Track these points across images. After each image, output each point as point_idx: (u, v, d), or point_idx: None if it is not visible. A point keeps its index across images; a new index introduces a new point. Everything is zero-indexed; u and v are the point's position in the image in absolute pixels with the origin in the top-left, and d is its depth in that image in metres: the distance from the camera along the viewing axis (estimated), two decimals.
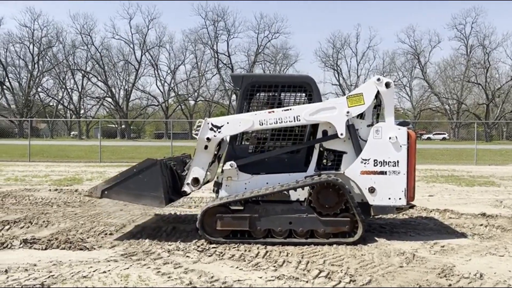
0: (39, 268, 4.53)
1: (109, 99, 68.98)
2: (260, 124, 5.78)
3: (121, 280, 4.20)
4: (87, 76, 68.33)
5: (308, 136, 6.01)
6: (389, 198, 5.65)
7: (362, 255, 5.14)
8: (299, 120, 5.75)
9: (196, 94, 70.16)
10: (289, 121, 5.75)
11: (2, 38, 65.84)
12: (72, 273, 4.37)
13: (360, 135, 5.83)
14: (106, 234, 6.09)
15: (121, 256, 4.97)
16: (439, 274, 4.50)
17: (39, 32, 66.40)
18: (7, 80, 66.41)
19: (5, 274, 4.34)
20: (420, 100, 70.34)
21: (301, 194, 5.77)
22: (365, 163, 5.65)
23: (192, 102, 72.10)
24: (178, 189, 6.04)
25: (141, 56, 68.49)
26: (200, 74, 69.49)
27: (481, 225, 6.85)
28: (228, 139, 6.08)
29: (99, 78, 67.84)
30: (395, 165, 5.62)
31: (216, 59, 68.65)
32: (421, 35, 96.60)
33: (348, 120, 5.74)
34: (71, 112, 70.73)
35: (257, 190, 5.70)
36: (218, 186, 6.06)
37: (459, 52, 67.61)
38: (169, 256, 5.00)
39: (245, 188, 5.86)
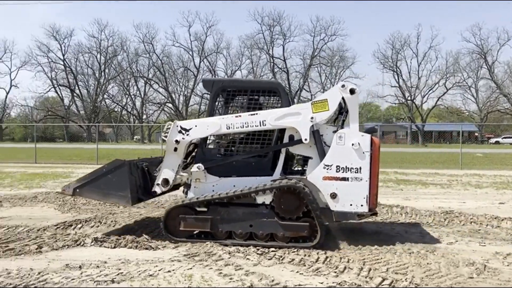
0: (109, 266, 4.78)
1: (170, 105, 71.51)
2: (227, 128, 5.90)
3: (185, 280, 4.34)
4: (149, 82, 71.34)
5: (276, 141, 6.01)
6: (351, 205, 5.58)
7: (427, 264, 4.93)
8: (265, 125, 5.81)
9: None
10: (255, 126, 5.83)
11: (73, 48, 70.72)
12: (139, 271, 4.57)
13: (325, 141, 5.80)
14: None
15: (184, 257, 5.13)
16: None
17: (105, 42, 70.47)
18: (77, 87, 71.01)
19: (79, 269, 4.63)
20: (487, 102, 66.24)
21: (266, 198, 5.73)
22: (327, 169, 5.62)
23: None
24: (149, 189, 6.22)
25: (200, 62, 70.46)
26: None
27: None
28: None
29: (160, 85, 70.58)
30: (357, 172, 5.56)
31: (272, 64, 69.01)
32: (488, 33, 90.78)
33: (313, 126, 5.74)
34: (134, 117, 74.13)
35: (217, 193, 5.78)
36: (188, 187, 6.15)
37: None
38: (229, 258, 5.09)
39: (213, 190, 5.91)
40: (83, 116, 70.91)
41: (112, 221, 7.22)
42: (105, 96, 72.36)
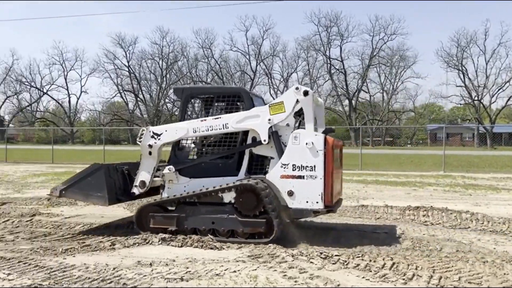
0: (177, 264, 4.96)
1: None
2: (193, 132, 6.31)
3: (250, 281, 4.40)
4: None
5: (240, 143, 6.31)
6: (307, 202, 5.77)
7: (504, 274, 4.64)
8: (227, 128, 6.16)
9: None
10: (219, 129, 6.19)
11: (137, 55, 74.11)
12: (206, 270, 4.71)
13: (285, 141, 6.00)
14: None
15: (248, 257, 5.21)
16: None
17: (167, 48, 73.04)
18: (140, 92, 74.36)
19: (150, 267, 4.85)
20: None
21: (233, 197, 6.02)
22: (284, 168, 5.86)
23: None
24: (129, 191, 6.65)
25: (256, 66, 71.10)
26: (312, 81, 69.65)
27: None
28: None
29: None
30: (312, 170, 5.75)
31: (329, 65, 68.15)
32: None
33: (271, 127, 5.98)
34: None
35: (179, 194, 6.24)
36: (163, 188, 6.51)
37: None
38: (293, 260, 5.09)
39: (184, 190, 6.28)
40: (146, 120, 74.03)
41: None
42: (166, 100, 75.13)
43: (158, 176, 6.54)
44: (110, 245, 5.78)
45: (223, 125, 6.17)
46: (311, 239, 6.28)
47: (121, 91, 73.86)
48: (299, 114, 6.25)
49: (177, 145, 6.59)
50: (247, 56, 71.47)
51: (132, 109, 76.00)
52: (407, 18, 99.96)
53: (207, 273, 4.62)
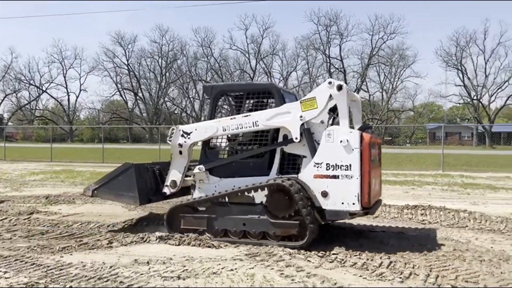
0: (175, 262, 4.96)
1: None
2: (223, 130, 6.10)
3: (247, 279, 4.40)
4: None
5: (271, 141, 6.05)
6: (342, 203, 5.46)
7: (501, 273, 4.65)
8: (257, 125, 5.92)
9: None
10: (249, 127, 5.96)
11: (136, 54, 74.03)
12: (203, 268, 4.70)
13: (317, 139, 5.73)
14: None
15: (245, 256, 5.21)
16: None
17: (166, 47, 73.10)
18: (140, 91, 74.31)
19: (147, 265, 4.85)
20: None
21: (264, 197, 5.80)
22: (317, 167, 5.57)
23: None
24: (160, 190, 6.56)
25: (256, 64, 71.10)
26: (311, 80, 69.62)
27: None
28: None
29: None
30: (348, 169, 5.43)
31: (328, 64, 68.17)
32: None
33: (303, 124, 5.72)
34: (193, 119, 76.28)
35: (211, 194, 6.05)
36: (193, 188, 6.36)
37: None
38: (290, 259, 5.09)
39: (215, 190, 6.09)
40: (145, 118, 74.06)
41: None
42: (166, 99, 75.09)
43: (189, 176, 6.40)
44: (108, 244, 5.78)
45: (253, 123, 5.94)
46: None
47: (120, 89, 73.88)
48: (333, 110, 5.96)
49: (207, 144, 6.40)
50: (247, 55, 71.54)
51: (131, 108, 75.92)
52: (407, 17, 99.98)
53: (204, 271, 4.61)
